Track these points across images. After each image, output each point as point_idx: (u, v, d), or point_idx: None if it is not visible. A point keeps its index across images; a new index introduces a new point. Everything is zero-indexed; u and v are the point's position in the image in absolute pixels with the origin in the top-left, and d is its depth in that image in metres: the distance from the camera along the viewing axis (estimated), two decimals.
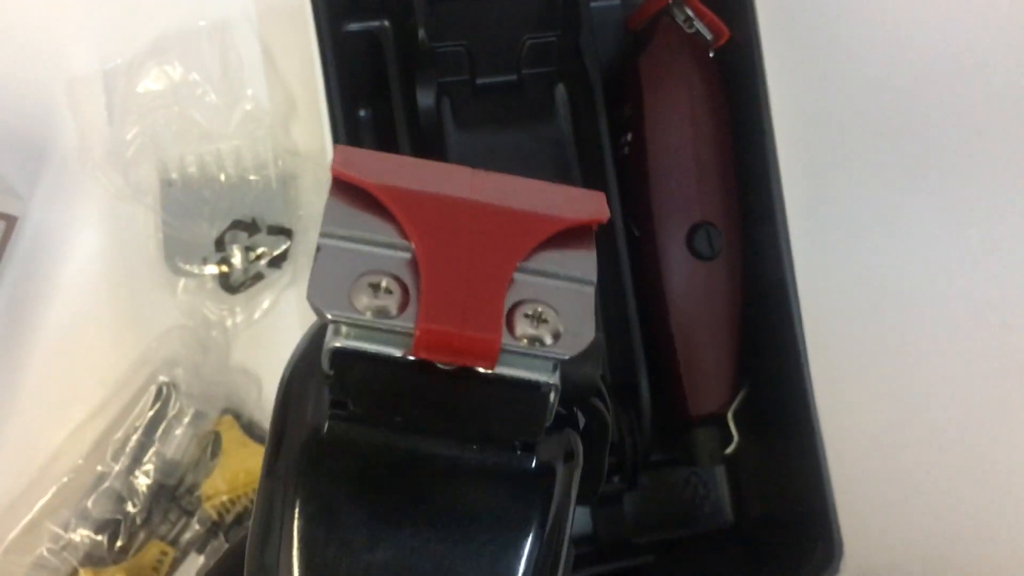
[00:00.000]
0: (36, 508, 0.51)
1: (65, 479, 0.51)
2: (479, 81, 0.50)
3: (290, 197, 0.55)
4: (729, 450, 0.51)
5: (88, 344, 0.53)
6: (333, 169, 0.24)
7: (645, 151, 0.49)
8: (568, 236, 0.25)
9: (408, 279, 0.23)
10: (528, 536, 0.23)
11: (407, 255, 0.23)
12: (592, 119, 0.49)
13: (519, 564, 0.23)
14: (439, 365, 0.23)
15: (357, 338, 0.23)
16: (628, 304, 0.49)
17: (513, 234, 0.24)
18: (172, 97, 0.53)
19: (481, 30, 0.49)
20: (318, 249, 0.24)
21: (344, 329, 0.23)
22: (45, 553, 0.50)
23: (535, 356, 0.23)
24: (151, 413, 0.52)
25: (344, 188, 0.24)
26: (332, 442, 0.23)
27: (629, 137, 0.51)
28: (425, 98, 0.49)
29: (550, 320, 0.23)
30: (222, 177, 0.54)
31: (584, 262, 0.25)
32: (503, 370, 0.23)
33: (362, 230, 0.24)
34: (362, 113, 0.53)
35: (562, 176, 0.51)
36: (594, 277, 0.24)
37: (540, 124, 0.51)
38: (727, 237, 0.50)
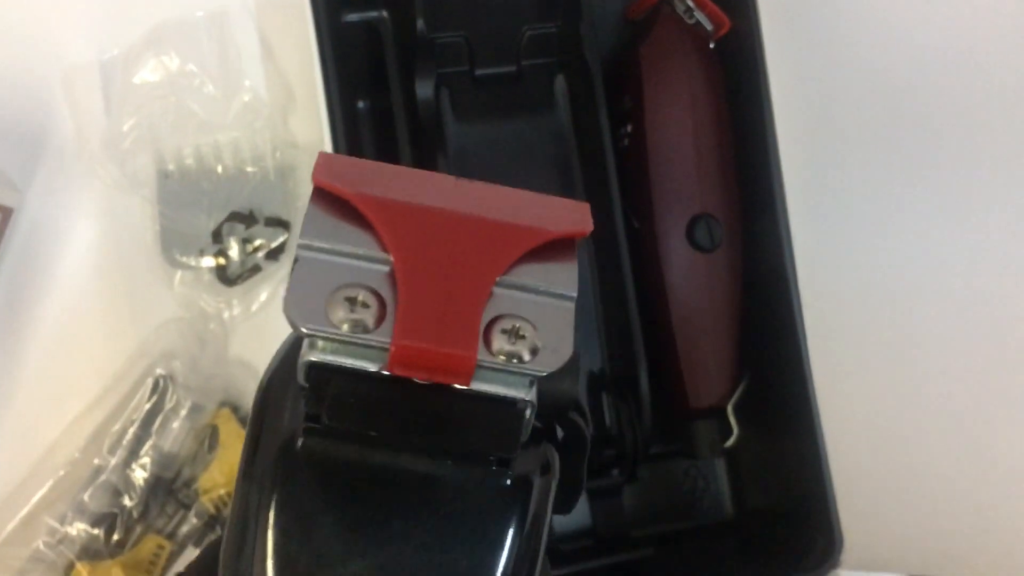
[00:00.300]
0: (33, 501, 0.51)
1: (62, 472, 0.51)
2: (478, 72, 0.50)
3: (288, 189, 0.54)
4: (729, 443, 0.51)
5: (85, 336, 0.53)
6: (315, 178, 0.24)
7: (645, 142, 0.49)
8: (550, 248, 0.24)
9: (386, 292, 0.23)
10: (503, 550, 0.23)
11: (386, 268, 0.23)
12: (592, 110, 0.49)
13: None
14: (415, 380, 0.23)
15: (333, 352, 0.23)
16: (628, 296, 0.49)
17: (493, 246, 0.24)
18: (169, 88, 0.53)
19: (480, 20, 0.49)
20: (296, 260, 0.23)
21: (320, 343, 0.23)
22: (42, 547, 0.50)
23: (512, 372, 0.23)
24: (148, 406, 0.51)
25: (325, 196, 0.24)
26: (307, 455, 0.23)
27: (629, 128, 0.50)
28: (424, 89, 0.49)
29: (528, 336, 0.23)
30: (219, 169, 0.54)
31: (565, 276, 0.24)
32: (479, 386, 0.23)
33: (341, 242, 0.24)
34: (361, 104, 0.53)
35: (561, 168, 0.51)
36: (574, 292, 0.24)
37: (540, 115, 0.51)
38: (727, 229, 0.49)
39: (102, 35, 0.54)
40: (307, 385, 0.23)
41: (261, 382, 0.25)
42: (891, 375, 0.57)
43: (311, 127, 0.55)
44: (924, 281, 0.58)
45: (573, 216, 0.26)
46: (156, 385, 0.52)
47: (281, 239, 0.54)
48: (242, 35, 0.54)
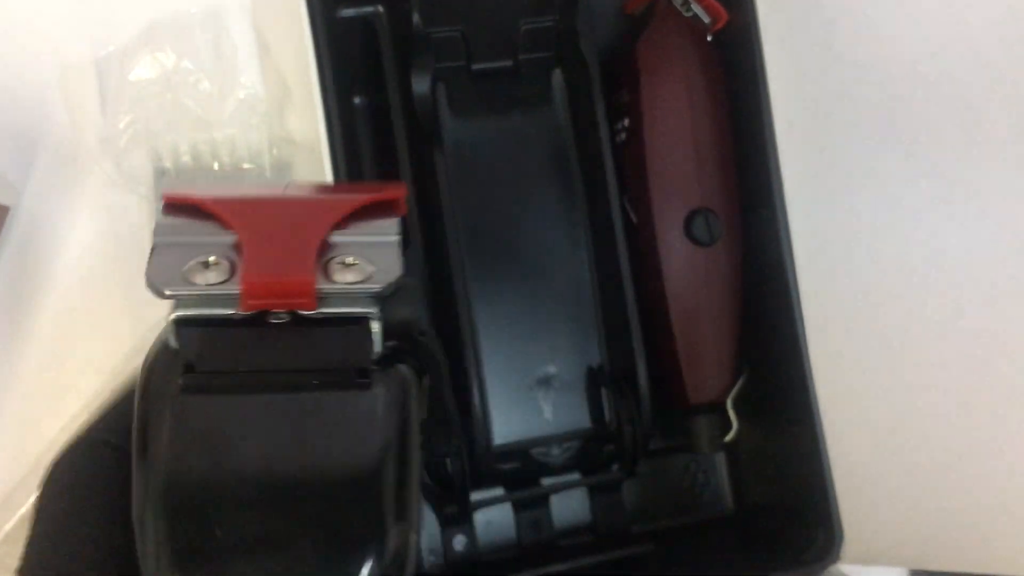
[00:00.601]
0: (31, 500, 0.50)
1: None
2: (475, 67, 0.50)
3: None
4: (729, 437, 0.51)
5: (82, 334, 0.53)
6: (164, 195, 0.29)
7: (642, 137, 0.49)
8: (373, 211, 0.30)
9: (234, 256, 0.27)
10: (375, 449, 0.27)
11: (232, 239, 0.28)
12: (589, 105, 0.49)
13: (370, 475, 0.27)
14: (273, 320, 0.27)
15: (195, 306, 0.27)
16: (626, 291, 0.49)
17: (319, 212, 0.29)
18: (165, 85, 0.53)
19: (477, 15, 0.49)
20: (152, 249, 0.28)
21: (184, 302, 0.27)
22: None
23: (353, 293, 0.27)
24: None
25: (173, 209, 0.29)
26: (187, 403, 0.27)
27: (626, 123, 0.50)
28: (420, 84, 0.48)
29: (361, 265, 0.28)
30: (216, 166, 0.53)
31: (387, 225, 0.30)
32: (328, 310, 0.27)
33: (191, 230, 0.28)
34: (357, 100, 0.53)
35: (558, 163, 0.51)
36: (397, 232, 0.30)
37: (537, 110, 0.51)
38: (725, 223, 0.49)
39: (98, 32, 0.54)
40: (178, 345, 0.27)
41: (140, 372, 0.28)
42: (892, 368, 0.57)
43: (308, 124, 0.55)
44: (924, 273, 0.57)
45: (385, 190, 0.31)
46: None
47: None
48: (238, 31, 0.54)
